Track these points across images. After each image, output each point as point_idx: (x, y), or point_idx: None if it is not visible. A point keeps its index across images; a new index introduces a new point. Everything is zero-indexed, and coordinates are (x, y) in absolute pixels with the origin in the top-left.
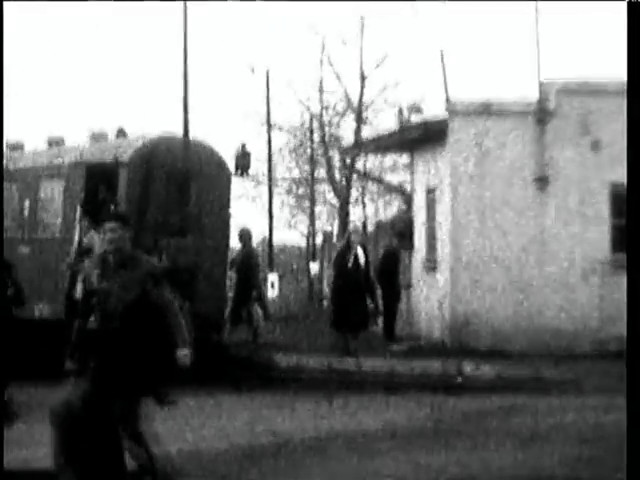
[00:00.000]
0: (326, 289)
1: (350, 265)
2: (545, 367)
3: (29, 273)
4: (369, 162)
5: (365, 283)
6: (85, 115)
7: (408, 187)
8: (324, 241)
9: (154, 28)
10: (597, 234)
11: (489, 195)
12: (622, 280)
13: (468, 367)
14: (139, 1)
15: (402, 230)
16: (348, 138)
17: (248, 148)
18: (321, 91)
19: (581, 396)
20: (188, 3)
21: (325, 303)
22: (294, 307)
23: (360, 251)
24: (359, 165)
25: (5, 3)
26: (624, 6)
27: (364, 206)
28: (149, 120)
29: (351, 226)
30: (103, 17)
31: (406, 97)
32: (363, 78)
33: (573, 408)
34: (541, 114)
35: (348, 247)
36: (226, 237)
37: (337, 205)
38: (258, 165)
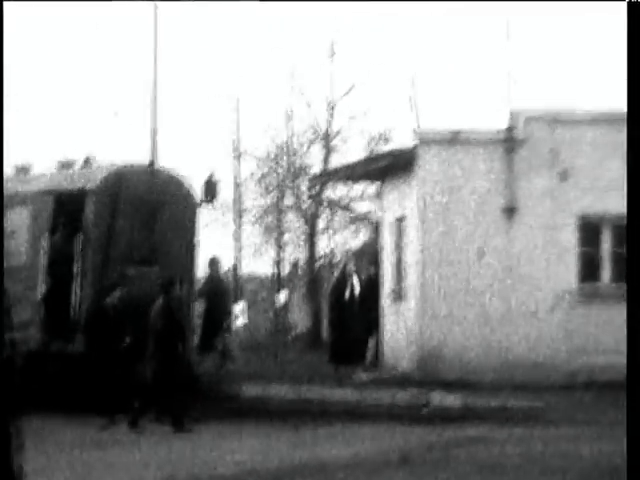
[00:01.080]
0: (291, 319)
1: (347, 297)
2: (513, 398)
3: None
4: (337, 191)
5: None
6: (52, 143)
7: (376, 216)
8: (291, 271)
9: (123, 56)
10: (565, 264)
11: (457, 224)
12: (590, 310)
13: (436, 397)
14: (111, 27)
15: (372, 259)
16: (316, 166)
17: (216, 176)
18: (289, 119)
19: (549, 427)
20: (158, 30)
21: (293, 334)
22: (261, 337)
23: (355, 280)
24: (327, 194)
25: (5, 3)
26: (598, 34)
27: (332, 235)
28: (117, 149)
29: (348, 253)
30: (73, 43)
31: (375, 126)
32: (332, 106)
33: (540, 439)
34: (510, 143)
35: (344, 278)
36: (192, 266)
37: (305, 234)
38: (226, 193)
